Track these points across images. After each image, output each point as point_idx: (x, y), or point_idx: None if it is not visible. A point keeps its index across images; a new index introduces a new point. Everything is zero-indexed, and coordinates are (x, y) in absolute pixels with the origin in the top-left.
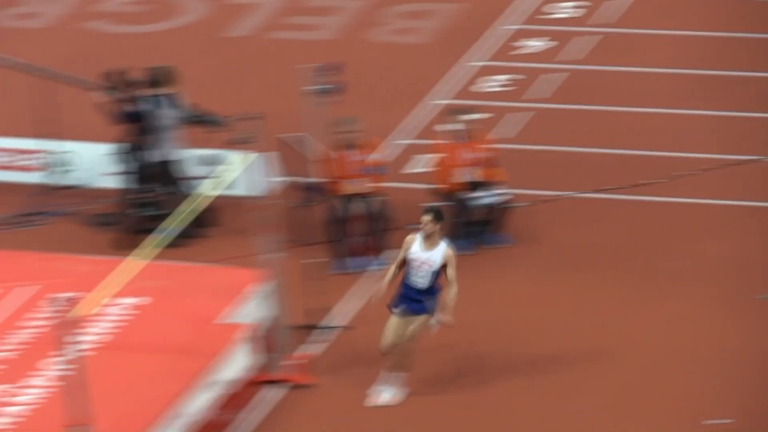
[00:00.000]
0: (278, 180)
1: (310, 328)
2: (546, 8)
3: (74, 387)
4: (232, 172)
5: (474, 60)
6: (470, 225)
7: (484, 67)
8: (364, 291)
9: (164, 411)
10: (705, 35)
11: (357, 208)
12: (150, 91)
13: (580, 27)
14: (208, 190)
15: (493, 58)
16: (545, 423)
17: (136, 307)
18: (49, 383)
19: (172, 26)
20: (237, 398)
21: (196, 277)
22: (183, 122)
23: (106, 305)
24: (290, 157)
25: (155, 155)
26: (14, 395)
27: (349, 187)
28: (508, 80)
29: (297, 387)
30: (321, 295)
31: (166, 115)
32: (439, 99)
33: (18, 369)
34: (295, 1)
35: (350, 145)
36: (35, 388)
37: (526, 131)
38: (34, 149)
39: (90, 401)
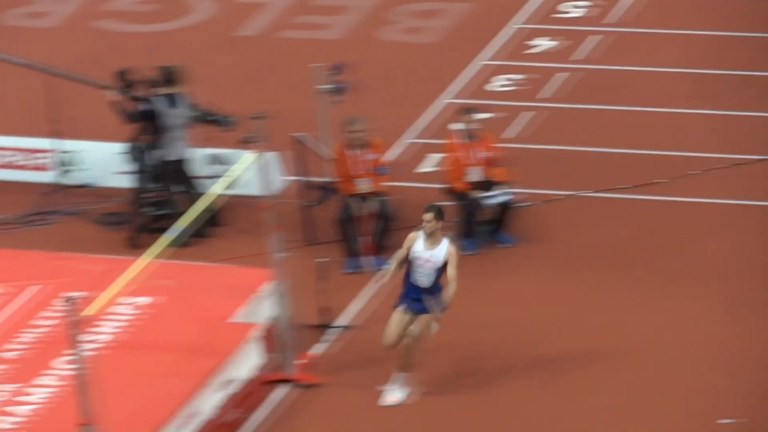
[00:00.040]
0: (289, 179)
1: (322, 327)
2: (559, 7)
3: (86, 386)
4: (243, 172)
5: (487, 59)
6: (482, 224)
7: (496, 67)
8: (375, 290)
9: (175, 410)
10: (718, 35)
11: (369, 207)
12: (161, 90)
13: (593, 26)
14: (219, 189)
15: (506, 58)
16: (552, 423)
17: (148, 306)
18: (61, 382)
19: (183, 25)
20: (248, 397)
21: (207, 277)
22: (194, 121)
23: (117, 304)
24: (301, 155)
25: (166, 154)
26: (26, 394)
27: (361, 186)
28: (521, 80)
29: (308, 386)
30: (332, 295)
31: (177, 114)
32: (451, 98)
33: (30, 368)
34: (306, 0)
35: (361, 145)
36: (47, 387)
37: (538, 131)
38: (45, 148)
39: (101, 400)
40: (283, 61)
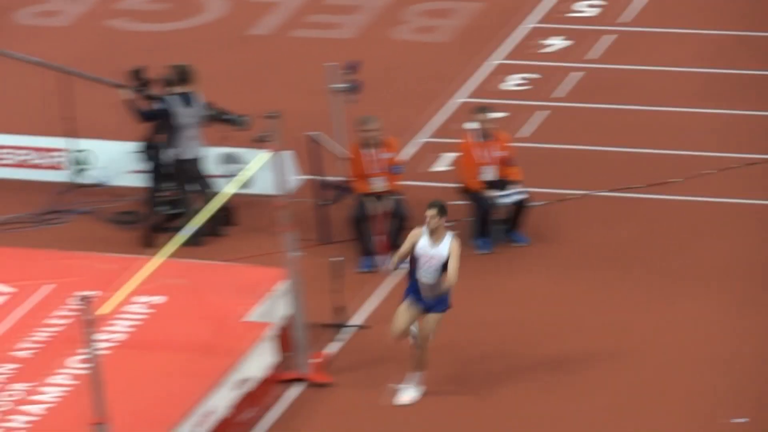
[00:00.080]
0: (296, 178)
1: (332, 326)
2: (572, 7)
3: (99, 385)
4: (253, 171)
5: (495, 58)
6: (487, 224)
7: (502, 66)
8: (386, 290)
9: (189, 409)
10: (722, 34)
11: (380, 206)
12: (171, 90)
13: (606, 26)
14: (229, 188)
15: (514, 57)
16: (560, 422)
17: (158, 305)
18: (74, 381)
19: (194, 24)
20: (259, 396)
21: (218, 276)
22: (207, 120)
23: (124, 303)
24: (315, 155)
25: (180, 153)
26: (39, 393)
27: (375, 185)
28: (526, 79)
29: (318, 385)
30: (339, 294)
31: (191, 113)
32: (461, 98)
33: (43, 367)
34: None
35: (373, 144)
36: (60, 386)
37: (546, 130)
38: (55, 147)
39: (111, 399)
40: (296, 61)
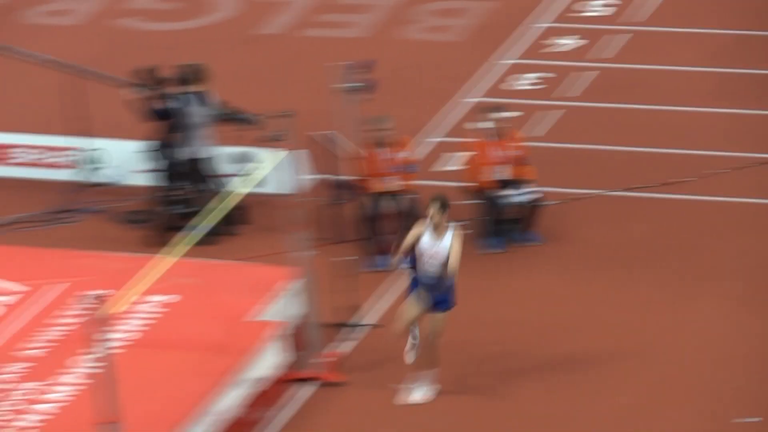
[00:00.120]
0: (309, 177)
1: (340, 326)
2: (576, 6)
3: (104, 385)
4: (262, 170)
5: (505, 58)
6: (501, 223)
7: (515, 65)
8: (394, 289)
9: (194, 408)
10: (735, 33)
11: (387, 206)
12: (181, 89)
13: (610, 25)
14: (238, 187)
15: (524, 56)
16: (572, 422)
17: (167, 304)
18: (79, 381)
19: (204, 23)
20: (267, 396)
21: (226, 275)
22: (214, 120)
23: (136, 303)
24: (321, 154)
25: (186, 153)
26: (44, 393)
27: (380, 184)
28: (539, 78)
29: (326, 385)
30: (351, 293)
31: (197, 112)
32: (471, 97)
33: (48, 366)
34: None
35: (381, 143)
36: (65, 386)
37: (556, 129)
38: (64, 146)
39: (119, 399)
40: (305, 60)
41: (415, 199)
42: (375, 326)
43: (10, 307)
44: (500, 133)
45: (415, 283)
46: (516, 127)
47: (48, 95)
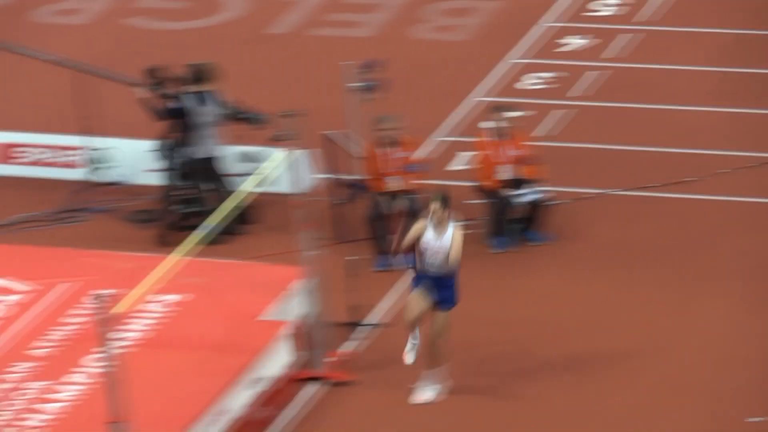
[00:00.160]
0: (320, 177)
1: (352, 325)
2: (590, 6)
3: (115, 384)
4: (274, 169)
5: (517, 57)
6: (512, 222)
7: (527, 65)
8: (405, 288)
9: (205, 408)
10: (748, 33)
11: (399, 205)
12: (192, 88)
13: (623, 25)
14: (250, 186)
15: (537, 56)
16: (580, 421)
17: (178, 303)
18: (90, 380)
19: (214, 23)
20: (278, 395)
21: (237, 274)
22: (225, 119)
23: (147, 302)
24: (332, 153)
25: (197, 152)
26: (55, 392)
27: (391, 184)
28: (552, 78)
29: (338, 384)
30: (362, 293)
31: (208, 111)
32: (482, 96)
33: (59, 365)
34: None
35: (392, 142)
36: (76, 385)
37: (569, 129)
38: (75, 146)
39: (131, 398)
40: (314, 59)
41: (419, 198)
42: (382, 325)
43: (23, 306)
44: (504, 133)
45: (417, 281)
46: (524, 126)
47: (58, 94)
